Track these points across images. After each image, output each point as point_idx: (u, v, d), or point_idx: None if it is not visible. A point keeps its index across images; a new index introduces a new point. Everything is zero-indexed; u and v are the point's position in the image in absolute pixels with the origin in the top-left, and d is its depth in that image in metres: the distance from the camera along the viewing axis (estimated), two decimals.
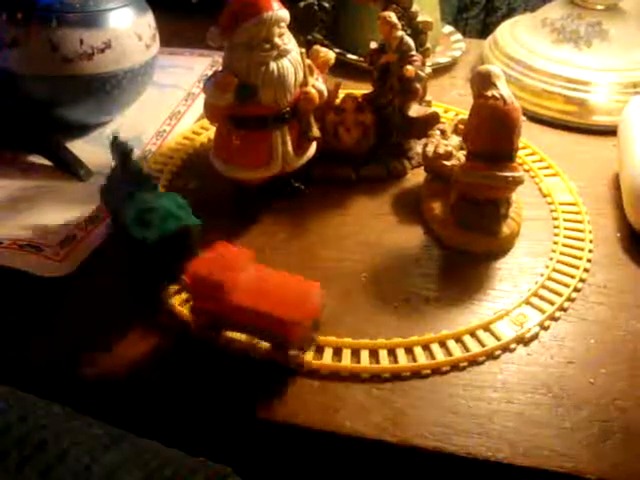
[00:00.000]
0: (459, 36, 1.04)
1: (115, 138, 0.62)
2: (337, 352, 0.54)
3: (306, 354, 0.53)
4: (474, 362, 0.54)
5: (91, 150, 0.77)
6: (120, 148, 0.61)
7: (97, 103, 0.77)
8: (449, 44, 1.02)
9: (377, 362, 0.53)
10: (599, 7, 0.87)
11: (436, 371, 0.53)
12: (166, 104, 0.87)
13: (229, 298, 0.51)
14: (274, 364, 0.53)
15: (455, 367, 0.54)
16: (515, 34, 0.92)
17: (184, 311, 0.57)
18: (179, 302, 0.58)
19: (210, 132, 0.77)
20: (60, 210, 0.68)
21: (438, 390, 0.52)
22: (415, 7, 0.71)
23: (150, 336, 0.56)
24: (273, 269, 0.54)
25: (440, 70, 0.95)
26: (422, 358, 0.54)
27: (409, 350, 0.54)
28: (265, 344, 0.53)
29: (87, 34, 0.72)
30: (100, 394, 0.53)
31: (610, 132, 0.79)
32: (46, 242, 0.63)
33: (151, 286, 0.58)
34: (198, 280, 0.51)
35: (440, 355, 0.54)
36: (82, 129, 0.81)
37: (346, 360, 0.54)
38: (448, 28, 1.06)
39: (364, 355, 0.54)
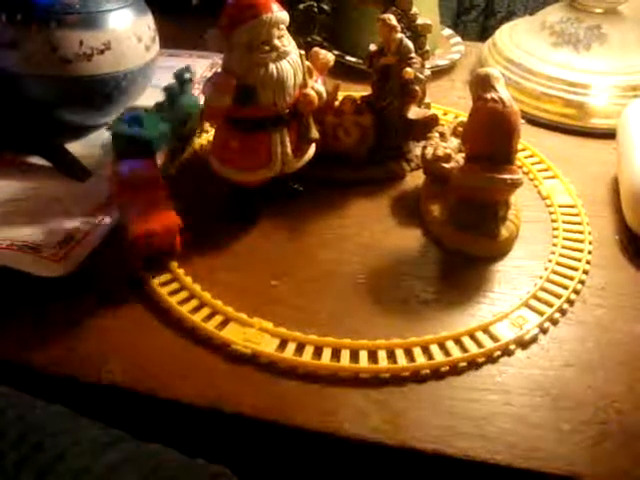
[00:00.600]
0: (458, 39, 1.04)
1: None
2: (335, 353, 0.54)
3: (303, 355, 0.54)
4: (473, 364, 0.54)
5: (90, 151, 0.77)
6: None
7: (96, 104, 0.77)
8: (448, 47, 1.02)
9: (376, 363, 0.53)
10: (598, 10, 0.87)
11: (435, 373, 0.53)
12: None
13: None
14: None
15: (454, 369, 0.54)
16: (514, 37, 0.92)
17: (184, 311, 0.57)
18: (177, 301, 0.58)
19: (210, 134, 0.77)
20: (59, 211, 0.68)
21: (437, 392, 0.52)
22: (414, 10, 0.71)
23: (149, 336, 0.56)
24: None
25: (439, 73, 0.96)
26: (421, 359, 0.54)
27: (408, 351, 0.54)
28: None
29: (86, 35, 0.72)
30: (100, 395, 0.53)
31: (609, 135, 0.79)
32: (44, 242, 0.63)
33: None
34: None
35: (439, 356, 0.54)
36: (81, 130, 0.80)
37: (345, 361, 0.53)
38: (447, 31, 1.06)
39: (363, 356, 0.54)
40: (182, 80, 0.75)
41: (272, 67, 0.60)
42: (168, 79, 0.90)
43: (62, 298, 0.59)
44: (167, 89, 0.74)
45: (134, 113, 0.69)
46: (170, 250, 0.61)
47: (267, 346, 0.54)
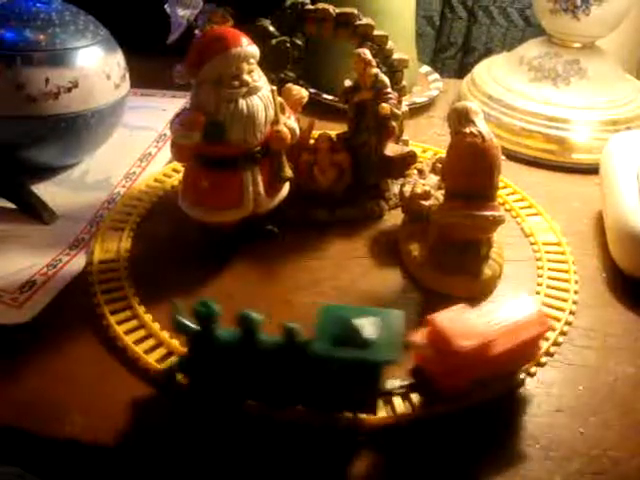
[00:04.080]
0: (436, 76, 1.04)
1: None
2: None
3: None
4: (457, 412, 0.51)
5: (58, 193, 0.75)
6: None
7: (64, 144, 0.75)
8: (426, 84, 1.01)
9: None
10: (576, 45, 0.87)
11: (417, 422, 0.50)
12: (137, 146, 0.85)
13: (495, 354, 0.49)
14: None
15: (437, 417, 0.51)
16: (493, 72, 0.92)
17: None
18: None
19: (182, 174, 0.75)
20: (22, 254, 0.65)
21: (418, 442, 0.49)
22: (390, 44, 0.70)
23: (114, 386, 0.53)
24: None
25: (418, 110, 0.95)
26: (402, 408, 0.51)
27: (388, 400, 0.51)
28: None
29: (53, 73, 0.70)
30: (58, 444, 0.49)
31: (591, 170, 0.79)
32: (4, 287, 0.60)
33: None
34: (462, 354, 0.47)
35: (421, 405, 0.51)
36: (49, 171, 0.78)
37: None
38: (425, 68, 1.06)
39: None
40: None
41: (242, 103, 0.58)
42: (139, 120, 0.89)
43: (21, 345, 0.56)
44: None
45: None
46: None
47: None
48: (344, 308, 0.48)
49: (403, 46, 0.85)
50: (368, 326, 0.45)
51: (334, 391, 0.48)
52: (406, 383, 0.52)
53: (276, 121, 0.61)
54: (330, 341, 0.45)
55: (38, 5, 0.73)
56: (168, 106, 0.94)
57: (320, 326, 0.46)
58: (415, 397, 0.51)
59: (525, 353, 0.52)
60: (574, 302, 0.61)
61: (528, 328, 0.50)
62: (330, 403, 0.49)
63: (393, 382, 0.51)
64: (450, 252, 0.61)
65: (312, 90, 0.89)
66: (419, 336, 0.50)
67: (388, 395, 0.51)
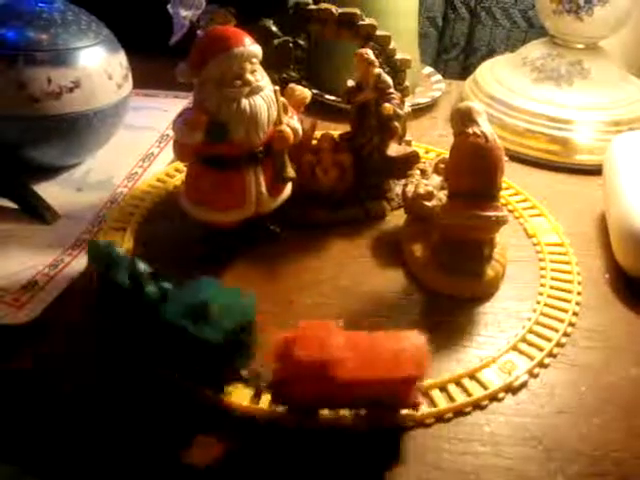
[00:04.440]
0: (439, 77, 1.03)
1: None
2: None
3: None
4: (460, 413, 0.51)
5: (59, 193, 0.75)
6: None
7: (66, 144, 0.75)
8: (429, 85, 1.01)
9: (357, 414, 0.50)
10: (579, 46, 0.86)
11: (419, 423, 0.50)
12: (139, 146, 0.85)
13: (337, 376, 0.45)
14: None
15: (440, 419, 0.51)
16: (495, 73, 0.92)
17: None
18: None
19: (184, 175, 0.75)
20: (24, 255, 0.65)
21: (422, 444, 0.49)
22: (393, 45, 0.70)
23: (113, 386, 0.52)
24: (363, 332, 0.49)
25: (420, 111, 0.95)
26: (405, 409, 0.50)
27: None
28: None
29: (55, 73, 0.70)
30: (58, 443, 0.49)
31: (594, 171, 0.79)
32: (6, 288, 0.60)
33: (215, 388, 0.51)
34: (301, 364, 0.45)
35: (423, 406, 0.51)
36: (51, 171, 0.78)
37: (324, 412, 0.50)
38: (428, 69, 1.06)
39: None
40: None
41: (244, 102, 0.57)
42: (142, 120, 0.89)
43: (22, 345, 0.56)
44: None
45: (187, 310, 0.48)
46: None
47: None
48: (214, 284, 0.50)
49: (406, 46, 0.85)
50: (217, 306, 0.47)
51: (185, 360, 0.49)
52: (254, 376, 0.51)
53: (279, 121, 0.61)
54: (182, 309, 0.47)
55: (41, 5, 0.73)
56: (170, 107, 0.93)
57: (184, 293, 0.48)
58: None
59: (391, 391, 0.47)
60: (577, 303, 0.61)
61: (396, 366, 0.46)
62: (183, 371, 0.50)
63: (245, 371, 0.50)
64: (453, 253, 0.61)
65: (315, 90, 0.88)
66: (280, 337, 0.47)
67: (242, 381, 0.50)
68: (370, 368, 0.46)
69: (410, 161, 0.71)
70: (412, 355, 0.47)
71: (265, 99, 0.59)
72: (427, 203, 0.66)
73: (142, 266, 0.50)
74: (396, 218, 0.72)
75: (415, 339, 0.48)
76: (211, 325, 0.46)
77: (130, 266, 0.50)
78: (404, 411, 0.49)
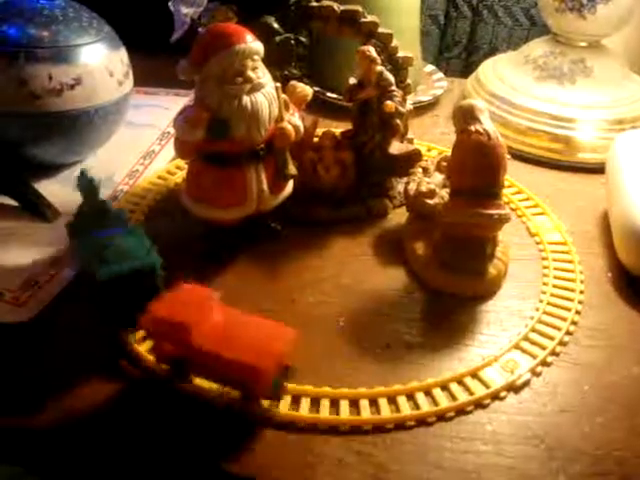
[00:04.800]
0: (441, 75, 1.03)
1: (82, 173, 0.58)
2: (315, 403, 0.51)
3: (280, 404, 0.50)
4: (462, 412, 0.51)
5: (61, 191, 0.75)
6: (85, 184, 0.58)
7: (67, 141, 0.75)
8: (431, 83, 1.01)
9: (358, 413, 0.50)
10: (582, 44, 0.86)
11: (421, 422, 0.50)
12: (140, 143, 0.85)
13: (192, 341, 0.47)
14: (243, 415, 0.49)
15: (441, 418, 0.50)
16: (498, 71, 0.91)
17: (149, 357, 0.53)
18: (145, 348, 0.54)
19: (185, 172, 0.74)
20: (24, 253, 0.65)
21: (423, 443, 0.49)
22: (395, 42, 0.69)
23: (113, 384, 0.52)
24: (242, 312, 0.51)
25: (422, 109, 0.94)
26: (406, 408, 0.50)
27: (392, 400, 0.51)
28: (235, 392, 0.50)
29: (56, 70, 0.70)
30: (59, 443, 0.50)
31: (597, 170, 0.79)
32: (6, 286, 0.60)
33: (111, 328, 0.55)
34: (158, 322, 0.48)
35: (425, 405, 0.51)
36: (52, 168, 0.78)
37: (324, 411, 0.50)
38: (430, 67, 1.05)
39: (344, 405, 0.51)
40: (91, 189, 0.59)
41: (246, 99, 0.57)
42: (143, 117, 0.88)
43: (21, 344, 0.55)
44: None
45: (94, 246, 0.54)
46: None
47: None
48: (134, 233, 0.57)
49: (407, 44, 0.85)
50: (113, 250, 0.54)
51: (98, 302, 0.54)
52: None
53: (280, 118, 0.61)
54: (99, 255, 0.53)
55: (42, 2, 0.73)
56: (171, 104, 0.93)
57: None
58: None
59: (239, 375, 0.47)
60: (580, 301, 0.61)
61: (247, 352, 0.46)
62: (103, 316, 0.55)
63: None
64: (455, 251, 0.61)
65: (316, 88, 0.88)
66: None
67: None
68: (224, 344, 0.47)
69: (412, 159, 0.71)
70: (270, 348, 0.47)
71: (266, 96, 0.59)
72: (429, 201, 0.66)
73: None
74: (398, 216, 0.72)
75: (284, 335, 0.49)
76: (106, 265, 0.52)
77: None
78: (264, 403, 0.50)
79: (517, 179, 0.78)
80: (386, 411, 0.50)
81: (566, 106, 0.84)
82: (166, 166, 0.79)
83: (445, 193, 0.65)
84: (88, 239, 0.56)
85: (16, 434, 0.50)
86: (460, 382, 0.53)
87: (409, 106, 0.72)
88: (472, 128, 0.57)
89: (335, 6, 0.68)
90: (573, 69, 0.85)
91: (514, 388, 0.53)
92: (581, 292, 0.62)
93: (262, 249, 0.66)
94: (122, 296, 0.53)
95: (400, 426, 0.49)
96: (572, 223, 0.72)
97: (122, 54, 0.78)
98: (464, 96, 0.93)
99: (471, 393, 0.52)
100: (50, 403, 0.50)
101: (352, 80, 0.70)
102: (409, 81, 0.73)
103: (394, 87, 0.67)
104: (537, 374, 0.54)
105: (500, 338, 0.57)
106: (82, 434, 0.49)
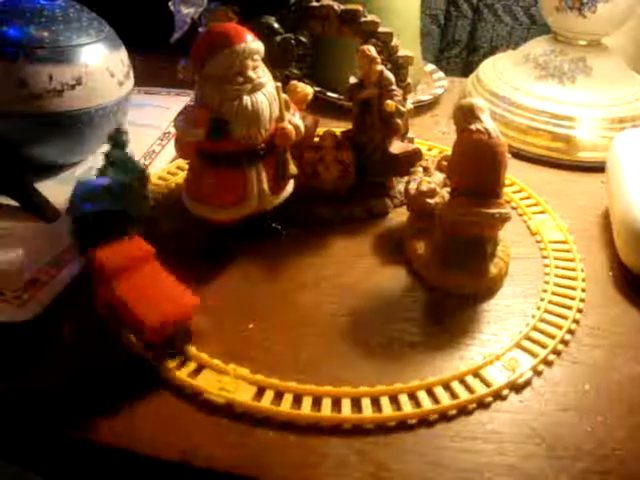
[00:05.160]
0: (441, 74, 1.03)
1: (118, 130, 0.65)
2: (316, 402, 0.51)
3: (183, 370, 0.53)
4: (463, 411, 0.51)
5: (61, 190, 0.74)
6: (117, 135, 0.65)
7: (68, 142, 0.75)
8: (431, 82, 1.01)
9: (359, 412, 0.50)
10: (582, 43, 0.86)
11: (423, 421, 0.50)
12: (141, 143, 0.84)
13: (113, 287, 0.52)
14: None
15: (443, 416, 0.50)
16: (498, 70, 0.91)
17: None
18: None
19: (186, 172, 0.74)
20: (24, 252, 0.64)
21: (424, 442, 0.49)
22: (395, 41, 0.69)
23: (115, 383, 0.52)
24: (169, 274, 0.55)
25: (423, 108, 0.94)
26: (408, 407, 0.50)
27: (394, 398, 0.51)
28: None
29: (56, 70, 0.70)
30: (60, 442, 0.50)
31: (597, 168, 0.78)
32: (7, 286, 0.60)
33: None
34: (96, 264, 0.54)
35: (427, 403, 0.51)
36: (52, 169, 0.78)
37: (326, 410, 0.50)
38: (430, 66, 1.05)
39: (345, 404, 0.50)
40: (119, 141, 0.66)
41: (246, 99, 0.57)
42: (144, 117, 0.88)
43: (22, 344, 0.55)
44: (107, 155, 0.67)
45: (85, 187, 0.62)
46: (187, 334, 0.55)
47: (243, 395, 0.51)
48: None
49: (408, 43, 0.85)
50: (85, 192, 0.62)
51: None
52: None
53: (281, 118, 0.61)
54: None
55: (42, 2, 0.72)
56: (172, 104, 0.93)
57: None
58: None
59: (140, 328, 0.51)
60: (581, 300, 0.61)
61: (146, 306, 0.51)
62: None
63: None
64: (456, 250, 0.61)
65: (317, 87, 0.88)
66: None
67: None
68: (134, 296, 0.52)
69: (412, 158, 0.71)
70: (161, 308, 0.51)
71: (267, 96, 0.59)
72: (430, 200, 0.66)
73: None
74: (399, 216, 0.72)
75: (183, 300, 0.53)
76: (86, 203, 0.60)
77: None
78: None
79: (518, 178, 0.78)
80: (388, 410, 0.50)
81: (566, 105, 0.84)
82: (167, 166, 0.79)
83: (446, 192, 0.65)
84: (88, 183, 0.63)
85: (16, 433, 0.50)
86: (461, 381, 0.53)
87: (409, 105, 0.72)
88: (473, 127, 0.57)
89: (335, 6, 0.68)
90: (573, 68, 0.85)
91: (515, 387, 0.53)
92: (582, 291, 0.62)
93: (263, 249, 0.66)
94: (94, 232, 0.58)
95: (402, 425, 0.49)
96: (573, 222, 0.72)
97: (123, 54, 0.78)
98: (464, 95, 0.93)
99: (472, 392, 0.52)
100: (52, 403, 0.50)
101: (352, 80, 0.70)
102: (409, 80, 0.72)
103: (394, 86, 0.67)
104: (538, 373, 0.54)
105: (501, 337, 0.57)
106: (84, 434, 0.49)
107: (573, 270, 0.64)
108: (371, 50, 0.66)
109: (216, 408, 0.50)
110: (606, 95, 0.85)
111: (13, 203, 0.71)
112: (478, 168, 0.58)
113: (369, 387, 0.52)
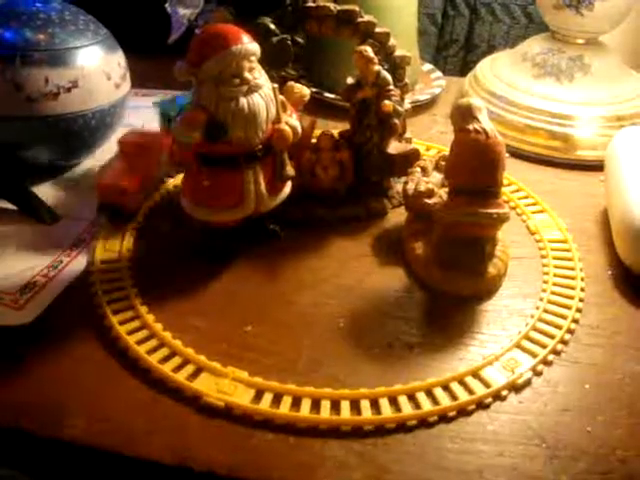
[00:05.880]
0: (439, 74, 1.03)
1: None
2: (315, 404, 0.51)
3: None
4: (463, 412, 0.51)
5: (59, 193, 0.75)
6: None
7: (64, 144, 0.75)
8: (429, 82, 1.01)
9: (359, 414, 0.50)
10: (580, 41, 0.86)
11: (422, 422, 0.50)
12: None
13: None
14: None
15: (443, 417, 0.50)
16: (496, 69, 0.91)
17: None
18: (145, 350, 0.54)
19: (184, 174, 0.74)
20: (23, 256, 0.65)
21: (424, 443, 0.48)
22: (392, 41, 0.69)
23: (115, 388, 0.52)
24: None
25: (420, 108, 0.94)
26: (407, 408, 0.50)
27: (393, 400, 0.51)
28: None
29: (53, 73, 0.70)
30: (56, 446, 0.49)
31: (596, 167, 0.78)
32: (5, 289, 0.60)
33: None
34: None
35: (427, 405, 0.51)
36: (50, 171, 0.78)
37: (325, 412, 0.50)
38: (428, 66, 1.05)
39: (344, 406, 0.50)
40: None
41: (243, 101, 0.57)
42: (141, 119, 0.88)
43: (21, 346, 0.55)
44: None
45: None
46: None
47: (241, 397, 0.51)
48: None
49: (405, 43, 0.85)
50: None
51: None
52: None
53: (278, 119, 0.60)
54: None
55: (38, 5, 0.72)
56: None
57: None
58: None
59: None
60: (580, 299, 0.61)
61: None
62: None
63: None
64: (454, 250, 0.60)
65: (314, 88, 0.88)
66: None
67: None
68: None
69: (410, 158, 0.71)
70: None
71: (264, 97, 0.58)
72: (428, 201, 0.66)
73: None
74: (397, 216, 0.72)
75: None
76: None
77: None
78: None
79: (516, 177, 0.78)
80: (387, 411, 0.50)
81: (564, 103, 0.84)
82: None
83: (444, 192, 0.65)
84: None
85: (13, 436, 0.50)
86: (461, 382, 0.53)
87: (407, 105, 0.72)
88: (470, 127, 0.57)
89: (332, 6, 0.68)
90: (571, 66, 0.85)
91: (515, 387, 0.53)
92: (582, 290, 0.62)
93: (261, 250, 0.66)
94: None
95: (401, 426, 0.49)
96: (571, 221, 0.71)
97: (119, 56, 0.78)
98: (462, 95, 0.93)
99: (472, 393, 0.52)
100: (49, 406, 0.50)
101: (350, 80, 0.70)
102: (407, 80, 0.72)
103: (392, 87, 0.67)
104: (538, 373, 0.54)
105: (500, 337, 0.57)
106: (82, 438, 0.48)
107: (572, 269, 0.64)
108: (368, 51, 0.66)
109: (215, 411, 0.50)
110: (604, 93, 0.85)
111: (11, 207, 0.71)
112: (475, 168, 0.57)
113: (368, 389, 0.51)
